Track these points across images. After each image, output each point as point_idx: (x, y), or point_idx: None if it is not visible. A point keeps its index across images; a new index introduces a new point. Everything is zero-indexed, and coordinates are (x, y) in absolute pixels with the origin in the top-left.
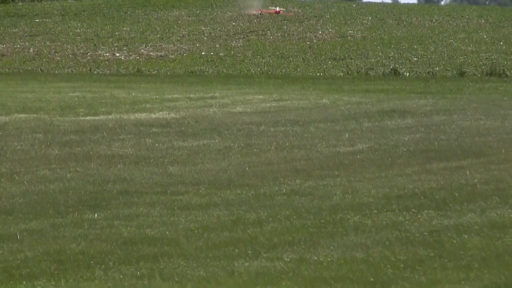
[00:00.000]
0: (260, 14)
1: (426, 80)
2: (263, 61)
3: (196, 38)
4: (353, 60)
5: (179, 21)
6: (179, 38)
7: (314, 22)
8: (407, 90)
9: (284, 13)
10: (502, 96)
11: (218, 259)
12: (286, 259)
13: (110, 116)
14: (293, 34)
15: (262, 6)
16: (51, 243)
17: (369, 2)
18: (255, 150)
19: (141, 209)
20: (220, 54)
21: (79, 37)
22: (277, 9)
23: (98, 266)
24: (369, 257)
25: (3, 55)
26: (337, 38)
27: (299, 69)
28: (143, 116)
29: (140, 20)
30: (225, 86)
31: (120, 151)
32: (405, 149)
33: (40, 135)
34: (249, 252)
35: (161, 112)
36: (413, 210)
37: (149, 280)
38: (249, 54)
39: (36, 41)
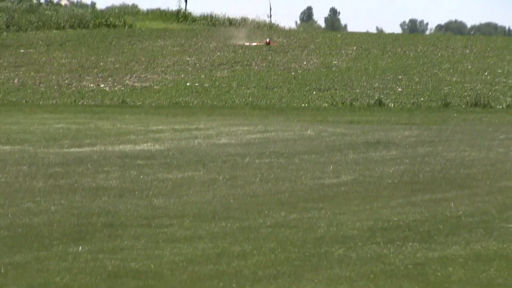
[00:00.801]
0: (267, 43)
1: (411, 111)
2: (248, 91)
3: (181, 68)
4: (338, 91)
5: (164, 52)
6: (164, 68)
7: (299, 52)
8: (392, 121)
9: (271, 43)
10: (486, 127)
11: None
12: None
13: (94, 148)
14: (278, 65)
15: (247, 37)
16: (35, 277)
17: (354, 32)
18: (240, 182)
19: (125, 242)
20: (205, 84)
21: (63, 68)
22: (268, 39)
23: None
24: None
25: None
26: (322, 69)
27: (284, 100)
28: (127, 147)
29: (125, 50)
30: (210, 117)
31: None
32: (389, 181)
33: (24, 167)
34: (234, 285)
35: (145, 144)
36: (397, 242)
37: None
38: (234, 85)
39: (21, 72)
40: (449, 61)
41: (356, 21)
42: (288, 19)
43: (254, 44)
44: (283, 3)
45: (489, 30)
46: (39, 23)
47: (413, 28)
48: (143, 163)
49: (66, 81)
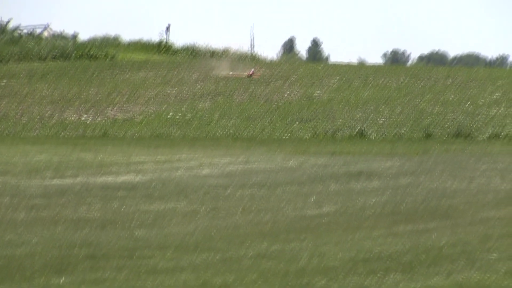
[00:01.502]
0: (249, 76)
1: (393, 142)
2: (230, 123)
3: (163, 100)
4: (319, 122)
5: (146, 83)
6: (145, 100)
7: (281, 84)
8: (374, 152)
9: (254, 75)
10: (468, 158)
11: None
12: None
13: (76, 180)
14: (260, 96)
15: (230, 68)
16: None
17: (335, 63)
18: (222, 213)
19: (107, 273)
20: (187, 116)
21: (45, 100)
22: (251, 71)
23: None
24: None
25: None
26: (303, 100)
27: (265, 131)
28: (109, 179)
29: (107, 82)
30: (192, 148)
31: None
32: (371, 212)
33: (6, 199)
34: None
35: (127, 175)
36: (379, 273)
37: None
38: (216, 116)
39: (3, 104)
40: (431, 92)
41: (339, 51)
42: (270, 50)
43: (236, 75)
44: (266, 34)
45: (471, 60)
46: (21, 54)
47: (395, 58)
48: (125, 195)
49: (48, 113)
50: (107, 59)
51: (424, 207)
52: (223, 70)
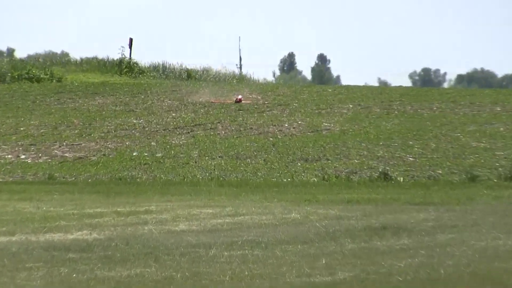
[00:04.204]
0: (237, 101)
1: (426, 187)
2: (213, 163)
3: (126, 133)
4: (330, 162)
5: (104, 112)
6: (103, 134)
7: (279, 112)
8: (402, 200)
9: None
10: None
11: None
12: None
13: (13, 238)
14: (251, 128)
15: (210, 92)
16: None
17: (349, 86)
18: (204, 281)
19: None
20: (157, 154)
21: None
22: (239, 96)
23: None
24: None
25: None
26: (308, 133)
27: (259, 174)
28: (56, 237)
29: (53, 111)
30: (164, 196)
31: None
32: (401, 278)
33: None
34: None
35: (80, 232)
36: None
37: None
38: (195, 154)
39: None
40: (475, 122)
41: (352, 71)
42: (263, 69)
43: (219, 101)
44: (257, 48)
45: None
46: None
47: (427, 79)
48: (76, 257)
49: None
50: (53, 82)
51: (470, 271)
52: (203, 95)
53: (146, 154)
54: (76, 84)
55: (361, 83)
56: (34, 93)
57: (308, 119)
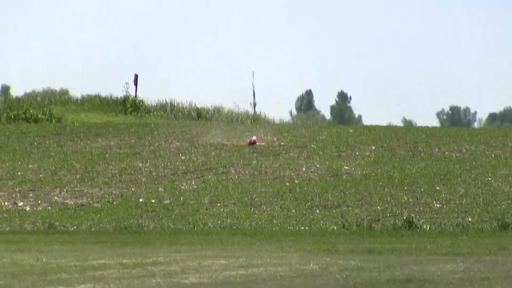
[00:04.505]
0: (252, 143)
1: (454, 236)
2: (225, 210)
3: (131, 178)
4: (350, 208)
5: (107, 155)
6: (106, 179)
7: (296, 155)
8: (428, 250)
9: (257, 143)
10: None
11: None
12: None
13: None
14: (266, 172)
15: (224, 133)
16: None
17: (371, 126)
18: None
19: None
20: (165, 201)
21: None
22: (253, 138)
23: None
24: None
25: None
26: (328, 177)
27: (275, 221)
28: None
29: (52, 154)
30: (173, 246)
31: None
32: None
33: None
34: None
35: (83, 285)
36: None
37: None
38: (206, 201)
39: None
40: (508, 166)
41: (375, 109)
42: (280, 108)
43: (232, 143)
44: (272, 86)
45: None
46: None
47: (456, 119)
48: None
49: None
50: (52, 122)
51: None
52: (215, 136)
53: (153, 200)
54: (77, 124)
55: (385, 123)
56: (32, 134)
57: (327, 162)
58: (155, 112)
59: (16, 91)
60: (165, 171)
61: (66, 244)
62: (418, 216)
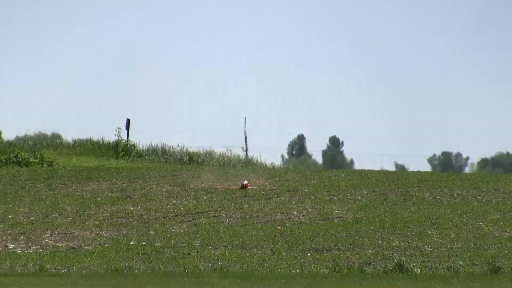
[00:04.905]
0: (243, 186)
1: (445, 279)
2: (216, 253)
3: (122, 222)
4: (342, 252)
5: (98, 199)
6: (97, 222)
7: (288, 199)
8: None
9: (248, 186)
10: None
11: None
12: None
13: None
14: (257, 216)
15: (216, 177)
16: None
17: (363, 170)
18: None
19: None
20: (156, 244)
21: None
22: (245, 181)
23: None
24: None
25: None
26: (319, 221)
27: (266, 264)
28: None
29: (43, 197)
30: None
31: None
32: None
33: None
34: None
35: None
36: None
37: None
38: (197, 244)
39: None
40: (499, 210)
41: (366, 155)
42: (271, 153)
43: (224, 187)
44: (264, 132)
45: None
46: None
47: (447, 164)
48: None
49: None
50: (43, 166)
51: None
52: (206, 180)
53: (144, 243)
54: (69, 168)
55: (377, 168)
56: (23, 178)
57: (318, 206)
58: (146, 156)
59: (8, 135)
60: (156, 214)
61: (57, 287)
62: (409, 260)
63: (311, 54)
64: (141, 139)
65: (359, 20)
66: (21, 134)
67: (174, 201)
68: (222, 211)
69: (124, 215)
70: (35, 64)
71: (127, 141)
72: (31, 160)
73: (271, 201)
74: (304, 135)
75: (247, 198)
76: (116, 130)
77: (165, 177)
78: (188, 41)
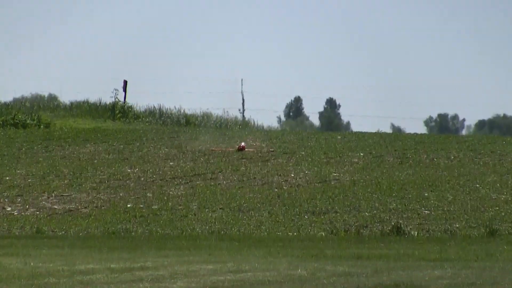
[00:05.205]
0: (240, 148)
1: (442, 242)
2: (213, 216)
3: (120, 184)
4: (339, 214)
5: (95, 161)
6: (94, 184)
7: (284, 161)
8: (416, 256)
9: (245, 149)
10: None
11: None
12: None
13: None
14: (254, 178)
15: (213, 139)
16: None
17: (360, 133)
18: None
19: None
20: (153, 206)
21: None
22: (242, 144)
23: None
24: None
25: None
26: (316, 184)
27: (263, 227)
28: None
29: (40, 159)
30: (161, 251)
31: None
32: None
33: None
34: None
35: None
36: None
37: None
38: (194, 207)
39: None
40: (496, 172)
41: (364, 116)
42: (268, 115)
43: (221, 149)
44: (261, 92)
45: None
46: None
47: (444, 126)
48: None
49: None
50: (40, 128)
51: None
52: (203, 142)
53: (141, 206)
54: (66, 130)
55: (373, 130)
56: (20, 140)
57: (315, 168)
58: (143, 118)
59: (5, 97)
60: (154, 176)
61: (54, 249)
62: (406, 222)
63: (311, 14)
64: (138, 101)
65: None
66: (18, 95)
67: (171, 163)
68: (219, 174)
69: (121, 178)
70: (33, 25)
71: (124, 103)
72: (28, 122)
73: (268, 163)
74: (301, 97)
75: (244, 160)
76: (113, 92)
77: (162, 139)
78: (185, 3)
